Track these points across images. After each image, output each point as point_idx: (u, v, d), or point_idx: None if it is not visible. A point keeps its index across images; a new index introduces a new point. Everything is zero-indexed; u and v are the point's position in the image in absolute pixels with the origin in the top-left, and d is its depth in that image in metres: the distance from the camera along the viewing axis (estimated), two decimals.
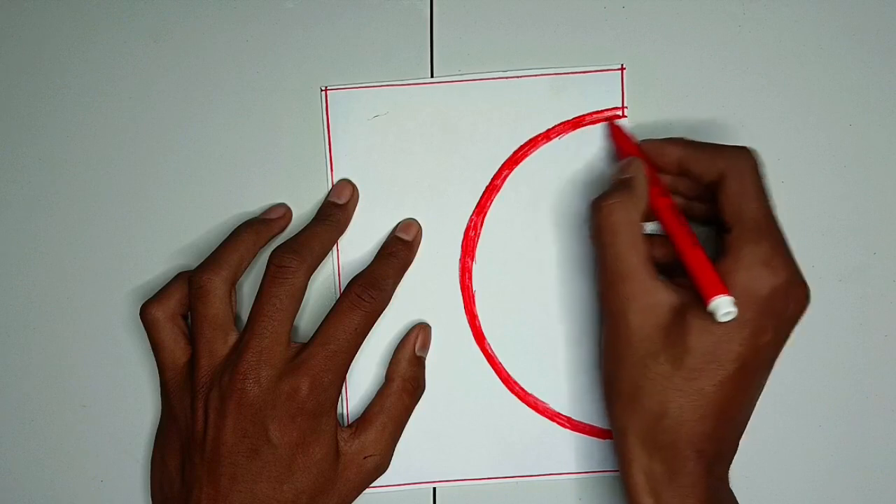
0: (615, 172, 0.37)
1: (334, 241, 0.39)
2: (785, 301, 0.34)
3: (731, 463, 0.36)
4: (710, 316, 0.33)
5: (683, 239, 0.35)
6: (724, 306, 0.32)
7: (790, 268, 0.34)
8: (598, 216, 0.35)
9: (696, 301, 0.34)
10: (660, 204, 0.36)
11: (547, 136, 0.40)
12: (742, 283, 0.33)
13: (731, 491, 0.36)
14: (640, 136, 0.39)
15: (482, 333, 0.40)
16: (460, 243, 0.40)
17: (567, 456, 0.40)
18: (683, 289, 0.35)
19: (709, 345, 0.33)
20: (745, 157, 0.35)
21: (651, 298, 0.34)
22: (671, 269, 0.37)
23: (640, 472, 0.35)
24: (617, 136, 0.39)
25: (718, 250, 0.35)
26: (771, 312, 0.34)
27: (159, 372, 0.38)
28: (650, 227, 0.38)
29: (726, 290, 0.33)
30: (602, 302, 0.36)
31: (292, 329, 0.37)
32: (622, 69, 0.39)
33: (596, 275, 0.36)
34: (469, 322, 0.40)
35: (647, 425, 0.34)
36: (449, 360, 0.40)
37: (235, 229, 0.38)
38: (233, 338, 0.37)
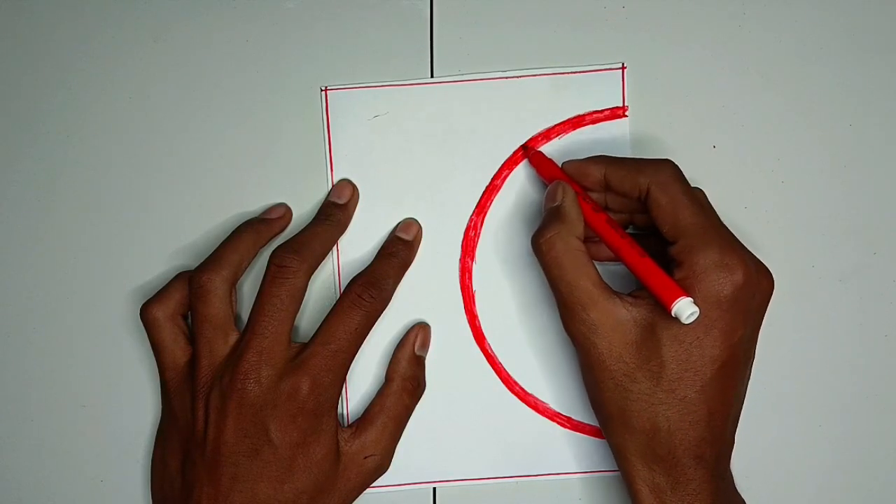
0: (545, 201, 0.36)
1: (335, 240, 0.39)
2: (749, 294, 0.34)
3: (730, 458, 0.36)
4: (677, 322, 0.32)
5: (628, 251, 0.34)
6: (686, 308, 0.32)
7: (745, 261, 0.33)
8: (540, 253, 0.35)
9: (660, 311, 0.33)
10: (595, 221, 0.35)
11: (547, 135, 0.40)
12: (703, 290, 0.33)
13: (736, 490, 0.36)
14: (641, 137, 0.39)
15: (482, 333, 0.40)
16: (460, 243, 0.40)
17: (567, 456, 0.40)
18: (643, 300, 0.34)
19: (682, 353, 0.33)
20: (664, 170, 0.35)
21: (614, 318, 0.34)
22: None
23: (644, 486, 0.35)
24: (537, 162, 0.38)
25: (668, 261, 0.34)
26: (737, 309, 0.33)
27: (160, 372, 0.38)
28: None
29: (683, 291, 0.32)
30: (568, 334, 0.35)
31: (292, 329, 0.37)
32: (623, 68, 0.39)
33: (557, 309, 0.36)
34: (469, 322, 0.40)
35: (641, 442, 0.34)
36: (449, 360, 0.40)
37: (236, 229, 0.38)
38: (233, 338, 0.37)
